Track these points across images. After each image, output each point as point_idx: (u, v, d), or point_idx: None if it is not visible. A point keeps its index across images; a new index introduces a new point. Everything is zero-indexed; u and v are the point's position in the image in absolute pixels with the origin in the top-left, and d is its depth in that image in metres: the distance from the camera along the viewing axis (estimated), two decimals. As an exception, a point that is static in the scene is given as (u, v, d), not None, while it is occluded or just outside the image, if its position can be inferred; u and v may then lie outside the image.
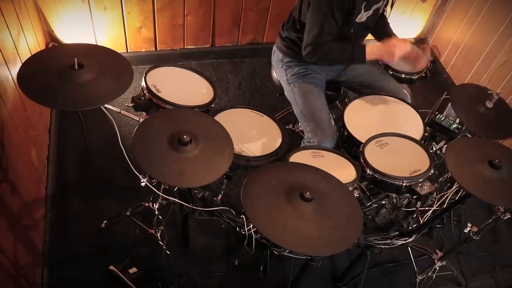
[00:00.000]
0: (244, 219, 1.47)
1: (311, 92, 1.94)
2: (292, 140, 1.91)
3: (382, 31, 2.01)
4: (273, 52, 2.10)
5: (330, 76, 2.08)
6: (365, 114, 1.87)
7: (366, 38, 2.00)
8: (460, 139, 1.72)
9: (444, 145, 1.93)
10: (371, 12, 1.79)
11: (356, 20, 1.77)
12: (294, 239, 1.18)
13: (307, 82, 1.96)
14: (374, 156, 1.62)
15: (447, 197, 1.70)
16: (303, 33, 1.82)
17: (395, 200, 1.76)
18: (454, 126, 1.82)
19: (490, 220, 1.63)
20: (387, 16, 2.01)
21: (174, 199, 1.53)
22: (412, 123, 1.87)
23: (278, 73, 2.08)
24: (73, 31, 2.48)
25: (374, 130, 1.71)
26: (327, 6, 1.66)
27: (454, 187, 1.72)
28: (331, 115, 1.93)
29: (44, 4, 2.32)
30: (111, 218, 2.00)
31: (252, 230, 1.47)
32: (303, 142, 1.92)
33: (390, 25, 2.03)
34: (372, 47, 1.78)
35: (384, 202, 1.76)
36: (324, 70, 2.03)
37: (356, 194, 1.54)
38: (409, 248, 2.01)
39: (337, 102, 2.23)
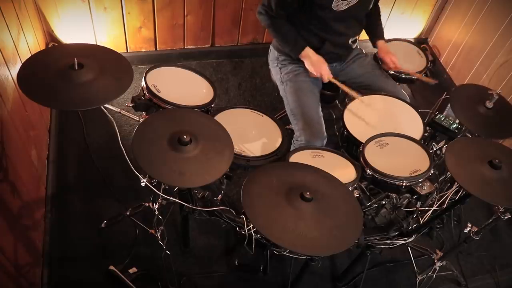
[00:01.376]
0: (244, 219, 1.47)
1: (302, 90, 1.94)
2: (292, 140, 1.91)
3: (372, 29, 2.03)
4: (269, 51, 2.11)
5: None
6: (365, 114, 1.87)
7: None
8: (460, 139, 1.72)
9: (444, 145, 1.93)
10: (353, 1, 1.78)
11: (333, 8, 1.76)
12: (294, 239, 1.18)
13: (300, 80, 1.96)
14: (374, 156, 1.62)
15: (447, 197, 1.70)
16: (297, 29, 1.86)
17: (395, 200, 1.76)
18: (454, 126, 1.82)
19: (490, 220, 1.63)
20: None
21: (174, 199, 1.53)
22: (412, 123, 1.87)
23: (273, 72, 2.09)
24: (73, 31, 2.48)
25: (374, 130, 1.72)
26: None
27: (454, 187, 1.71)
28: (321, 115, 1.93)
29: (44, 4, 2.32)
30: (111, 218, 2.00)
31: (252, 230, 1.47)
32: (293, 141, 1.92)
33: (390, 25, 2.02)
34: (310, 53, 1.89)
35: (384, 202, 1.76)
36: None
37: (356, 194, 1.54)
38: (409, 248, 2.01)
39: (337, 102, 2.23)
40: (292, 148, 1.85)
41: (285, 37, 1.88)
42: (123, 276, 1.85)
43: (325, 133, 1.87)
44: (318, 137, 1.84)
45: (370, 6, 1.92)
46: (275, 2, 1.78)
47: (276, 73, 2.05)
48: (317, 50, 1.92)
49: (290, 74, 1.98)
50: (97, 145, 2.32)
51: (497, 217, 1.59)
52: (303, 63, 1.94)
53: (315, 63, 1.89)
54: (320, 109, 1.95)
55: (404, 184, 1.55)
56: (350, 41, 1.99)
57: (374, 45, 2.08)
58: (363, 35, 2.12)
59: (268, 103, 2.72)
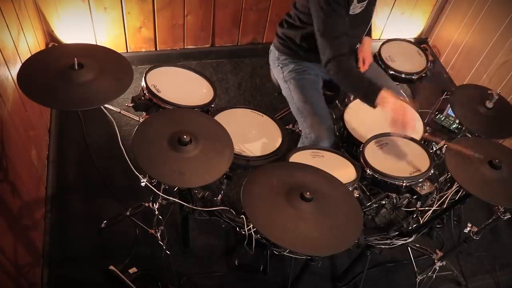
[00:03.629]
0: (244, 219, 1.47)
1: (307, 88, 1.94)
2: (292, 140, 1.91)
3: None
4: (270, 51, 2.11)
5: (328, 76, 2.07)
6: (365, 114, 1.87)
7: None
8: (460, 139, 1.72)
9: (444, 145, 1.93)
10: (364, 4, 1.78)
11: (350, 13, 1.76)
12: (294, 239, 1.18)
13: (303, 78, 1.96)
14: (374, 156, 1.62)
15: (447, 197, 1.70)
16: (300, 29, 1.85)
17: (395, 200, 1.76)
18: (454, 126, 1.82)
19: (490, 220, 1.63)
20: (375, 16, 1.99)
21: (174, 199, 1.53)
22: (412, 123, 1.86)
23: (275, 72, 2.08)
24: (73, 31, 2.48)
25: (374, 130, 1.71)
26: (325, 4, 1.63)
27: (454, 187, 1.72)
28: (328, 110, 1.92)
29: (44, 4, 2.32)
30: (111, 218, 2.00)
31: (252, 230, 1.47)
32: (301, 138, 1.91)
33: (390, 25, 2.02)
34: (387, 95, 1.61)
35: (384, 202, 1.76)
36: (321, 68, 2.03)
37: (356, 194, 1.54)
38: (409, 248, 2.01)
39: (337, 102, 2.23)
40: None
41: (356, 81, 1.71)
42: (123, 276, 1.85)
43: (335, 129, 1.85)
44: (328, 133, 1.82)
45: (375, 4, 1.92)
46: (336, 31, 1.66)
47: (278, 73, 2.05)
48: None
49: (293, 72, 1.98)
50: (97, 145, 2.32)
51: (497, 217, 1.59)
52: (308, 67, 1.93)
53: (397, 108, 1.58)
54: (326, 105, 1.94)
55: (404, 184, 1.55)
56: (357, 46, 2.02)
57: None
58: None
59: (268, 103, 2.72)
